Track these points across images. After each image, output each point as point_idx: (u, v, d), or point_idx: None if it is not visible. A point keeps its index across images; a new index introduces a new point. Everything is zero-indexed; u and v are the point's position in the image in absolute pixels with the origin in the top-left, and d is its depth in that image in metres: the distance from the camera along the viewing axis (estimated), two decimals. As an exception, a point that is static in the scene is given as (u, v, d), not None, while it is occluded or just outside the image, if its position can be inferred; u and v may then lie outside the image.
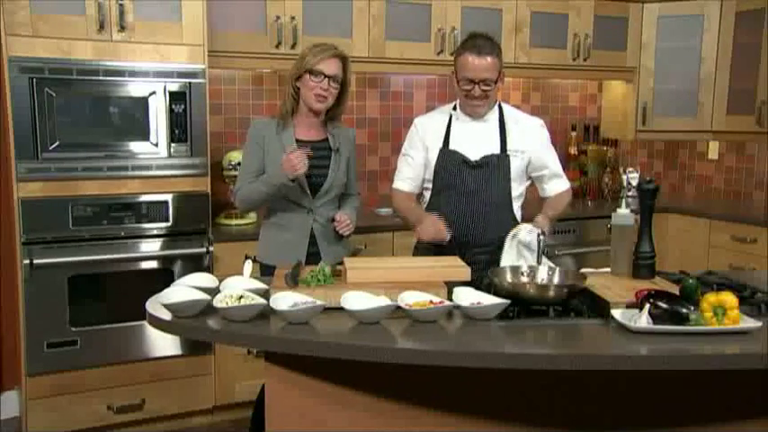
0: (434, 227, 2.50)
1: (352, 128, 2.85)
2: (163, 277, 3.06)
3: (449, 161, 2.63)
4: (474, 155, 2.60)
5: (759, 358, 1.68)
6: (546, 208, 2.69)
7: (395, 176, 2.79)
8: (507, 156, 2.61)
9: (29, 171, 2.89)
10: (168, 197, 3.13)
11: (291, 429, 1.91)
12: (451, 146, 2.64)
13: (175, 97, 3.09)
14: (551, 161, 2.71)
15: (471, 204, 2.60)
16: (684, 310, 1.81)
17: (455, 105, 2.69)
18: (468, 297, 1.95)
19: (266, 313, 1.88)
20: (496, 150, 2.61)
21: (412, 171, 2.73)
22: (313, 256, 2.56)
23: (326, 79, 2.54)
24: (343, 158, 2.69)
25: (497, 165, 2.60)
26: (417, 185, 2.74)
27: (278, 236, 2.66)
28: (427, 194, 2.72)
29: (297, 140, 2.61)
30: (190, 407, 3.31)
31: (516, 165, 2.62)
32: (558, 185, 2.75)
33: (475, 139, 2.62)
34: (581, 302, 1.97)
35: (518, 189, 2.67)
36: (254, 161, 2.63)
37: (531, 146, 2.64)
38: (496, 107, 2.66)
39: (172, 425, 3.30)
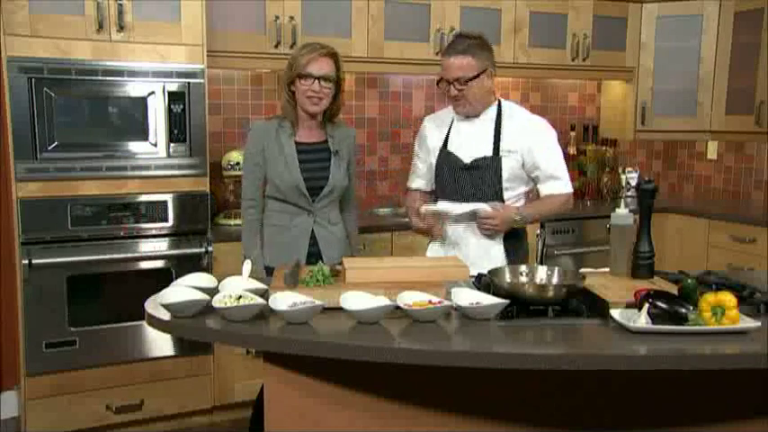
0: (425, 221, 2.60)
1: (352, 128, 2.84)
2: (162, 277, 3.05)
3: (445, 163, 2.64)
4: (467, 157, 2.59)
5: (758, 358, 1.68)
6: (526, 203, 2.66)
7: (409, 175, 2.86)
8: (499, 157, 2.56)
9: (28, 171, 2.89)
10: (167, 197, 3.13)
11: (291, 429, 1.91)
12: (449, 147, 2.64)
13: (174, 97, 3.09)
14: (545, 162, 2.59)
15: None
16: (683, 310, 1.81)
17: None
18: (467, 297, 1.95)
19: (265, 313, 1.88)
20: (489, 152, 2.58)
21: (421, 170, 2.79)
22: (313, 257, 2.56)
23: (317, 81, 2.51)
24: (343, 161, 2.67)
25: (488, 167, 2.57)
26: (429, 182, 2.77)
27: (278, 237, 2.65)
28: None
29: (297, 143, 2.61)
30: (189, 407, 3.31)
31: (509, 165, 2.56)
32: (551, 187, 2.62)
33: (469, 141, 2.61)
34: (580, 302, 1.96)
35: (517, 190, 2.61)
36: (254, 177, 2.63)
37: (522, 145, 2.56)
38: (494, 106, 2.63)
39: (171, 425, 3.30)
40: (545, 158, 2.59)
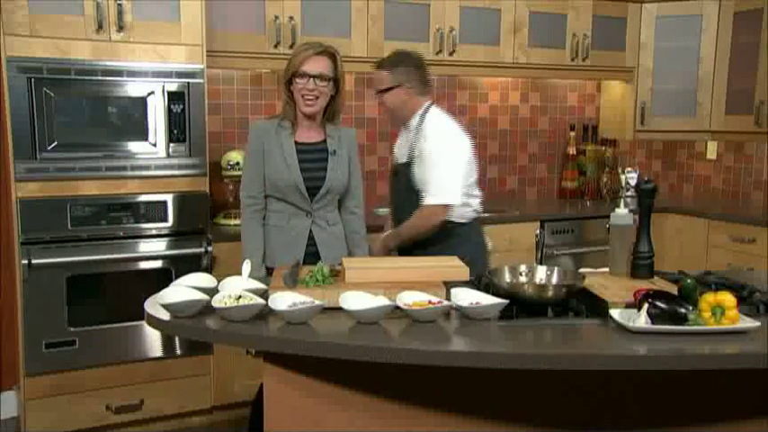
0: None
1: (352, 128, 2.84)
2: (162, 277, 3.05)
3: (390, 170, 2.91)
4: (396, 163, 2.80)
5: (758, 358, 1.68)
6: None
7: None
8: (409, 164, 2.68)
9: (27, 171, 2.88)
10: (167, 197, 3.13)
11: (290, 429, 1.91)
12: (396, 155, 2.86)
13: (174, 97, 3.09)
14: (425, 171, 2.59)
15: (393, 212, 2.77)
16: (683, 310, 1.81)
17: None
18: (466, 297, 1.95)
19: (265, 313, 1.88)
20: (405, 158, 2.72)
21: None
22: (311, 256, 2.56)
23: (312, 79, 2.50)
24: (342, 160, 2.66)
25: (402, 173, 2.71)
26: None
27: (277, 238, 2.64)
28: None
29: (296, 143, 2.61)
30: (188, 407, 3.31)
31: (416, 171, 2.65)
32: (424, 199, 2.60)
33: (400, 148, 2.80)
34: (579, 302, 1.97)
35: None
36: (254, 174, 2.61)
37: (419, 153, 2.63)
38: (419, 114, 2.71)
39: (171, 425, 3.30)
40: (425, 167, 2.60)
